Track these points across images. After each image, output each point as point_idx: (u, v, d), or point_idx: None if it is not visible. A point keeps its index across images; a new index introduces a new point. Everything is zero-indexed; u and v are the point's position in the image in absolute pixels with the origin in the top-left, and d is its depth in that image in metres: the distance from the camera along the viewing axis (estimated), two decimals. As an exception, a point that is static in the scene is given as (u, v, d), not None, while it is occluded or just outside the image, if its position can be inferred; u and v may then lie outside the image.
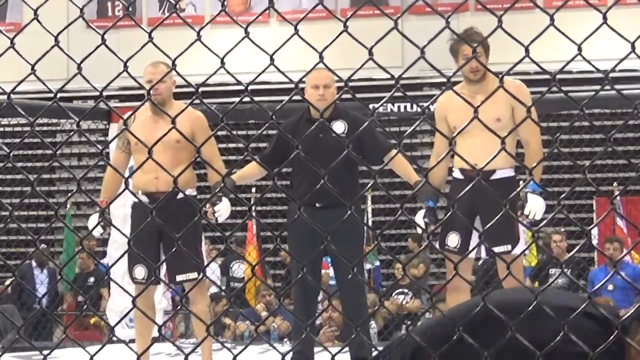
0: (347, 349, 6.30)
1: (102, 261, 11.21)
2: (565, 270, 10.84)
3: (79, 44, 9.04)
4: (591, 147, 12.01)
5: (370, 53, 1.78)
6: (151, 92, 6.08)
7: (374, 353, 2.11)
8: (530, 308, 1.94)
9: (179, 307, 9.58)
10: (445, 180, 6.22)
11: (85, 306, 10.52)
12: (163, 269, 6.52)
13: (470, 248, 5.87)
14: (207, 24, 2.05)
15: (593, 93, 1.83)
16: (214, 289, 11.85)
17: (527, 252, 10.25)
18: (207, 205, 6.07)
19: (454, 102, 5.78)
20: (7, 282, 13.19)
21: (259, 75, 1.95)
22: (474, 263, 6.70)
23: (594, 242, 11.06)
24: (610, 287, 10.64)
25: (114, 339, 2.23)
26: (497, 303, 2.00)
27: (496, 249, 5.80)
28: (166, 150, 5.84)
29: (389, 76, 1.96)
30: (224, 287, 12.34)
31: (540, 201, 5.82)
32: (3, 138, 12.28)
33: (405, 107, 9.22)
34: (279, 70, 1.84)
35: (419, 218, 6.11)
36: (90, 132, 10.55)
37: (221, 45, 1.93)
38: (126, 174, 6.34)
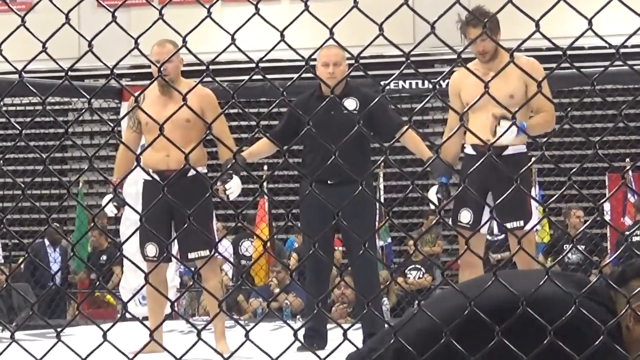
0: (359, 325, 6.32)
1: (117, 240, 11.23)
2: (577, 246, 10.80)
3: (89, 23, 9.03)
4: (603, 123, 11.97)
5: (381, 28, 1.78)
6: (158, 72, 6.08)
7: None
8: (520, 308, 1.93)
9: (190, 285, 9.59)
10: (459, 157, 6.22)
11: (97, 283, 10.49)
12: (176, 247, 6.53)
13: (482, 224, 5.89)
14: (217, 0, 2.05)
15: (604, 68, 1.82)
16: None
17: (539, 227, 10.26)
18: (218, 183, 6.08)
19: (468, 78, 5.78)
20: (21, 260, 13.24)
21: (269, 51, 1.95)
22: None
23: (606, 217, 11.02)
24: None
25: (127, 316, 2.25)
26: (483, 306, 1.99)
27: (508, 225, 5.80)
28: (176, 129, 5.83)
29: (400, 53, 1.95)
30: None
31: (512, 129, 5.62)
32: (15, 117, 12.30)
33: (417, 83, 9.20)
34: (289, 46, 1.84)
35: (432, 194, 6.12)
36: (102, 111, 10.56)
37: (232, 24, 1.92)
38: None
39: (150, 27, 1.92)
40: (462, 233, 5.85)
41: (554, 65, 2.01)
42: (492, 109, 5.50)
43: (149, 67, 6.71)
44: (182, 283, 11.16)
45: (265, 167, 12.49)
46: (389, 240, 12.62)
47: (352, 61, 1.96)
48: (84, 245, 13.01)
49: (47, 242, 12.68)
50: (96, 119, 13.65)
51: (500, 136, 5.41)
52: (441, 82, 6.95)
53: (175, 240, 6.31)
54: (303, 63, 1.93)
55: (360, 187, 2.02)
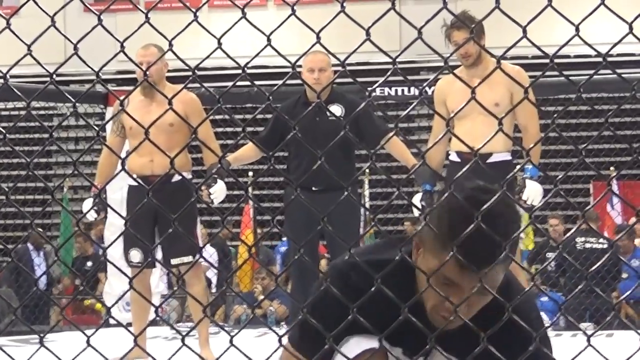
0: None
1: (102, 245, 11.18)
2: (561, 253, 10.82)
3: (76, 28, 9.01)
4: (588, 131, 12.00)
5: (368, 33, 1.77)
6: (142, 74, 6.06)
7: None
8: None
9: (174, 290, 9.56)
10: (443, 164, 6.22)
11: (81, 289, 10.46)
12: (160, 253, 6.51)
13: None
14: (203, 4, 2.05)
15: (590, 75, 1.83)
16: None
17: (523, 235, 10.27)
18: (203, 187, 6.06)
19: (453, 85, 5.79)
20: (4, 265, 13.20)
21: (256, 55, 1.94)
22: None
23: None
24: (625, 275, 10.71)
25: (111, 321, 2.23)
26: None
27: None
28: (160, 134, 5.79)
29: (386, 60, 1.95)
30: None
31: (538, 187, 5.84)
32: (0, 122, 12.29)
33: (402, 90, 9.20)
34: (275, 50, 1.83)
35: (416, 201, 6.12)
36: (87, 116, 10.53)
37: (220, 30, 1.92)
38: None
39: (137, 30, 1.92)
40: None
41: (539, 73, 2.01)
42: (478, 116, 5.51)
43: (135, 72, 6.69)
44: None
45: (250, 174, 12.48)
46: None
47: (339, 67, 1.96)
48: (69, 250, 12.97)
49: (30, 247, 12.64)
50: (81, 124, 13.63)
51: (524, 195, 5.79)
52: (427, 89, 6.95)
53: (159, 246, 6.30)
54: (290, 70, 1.93)
55: (346, 193, 2.01)
